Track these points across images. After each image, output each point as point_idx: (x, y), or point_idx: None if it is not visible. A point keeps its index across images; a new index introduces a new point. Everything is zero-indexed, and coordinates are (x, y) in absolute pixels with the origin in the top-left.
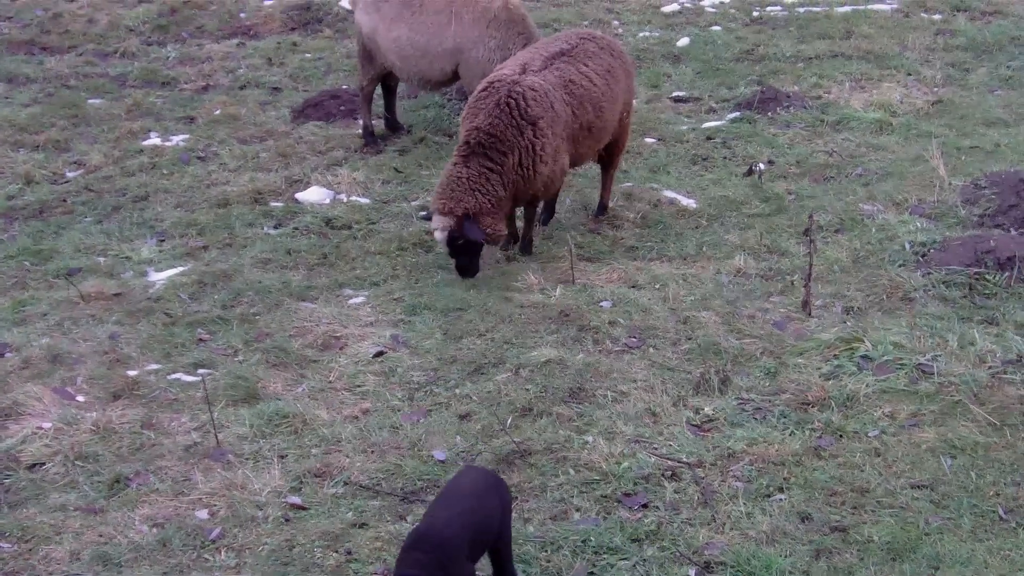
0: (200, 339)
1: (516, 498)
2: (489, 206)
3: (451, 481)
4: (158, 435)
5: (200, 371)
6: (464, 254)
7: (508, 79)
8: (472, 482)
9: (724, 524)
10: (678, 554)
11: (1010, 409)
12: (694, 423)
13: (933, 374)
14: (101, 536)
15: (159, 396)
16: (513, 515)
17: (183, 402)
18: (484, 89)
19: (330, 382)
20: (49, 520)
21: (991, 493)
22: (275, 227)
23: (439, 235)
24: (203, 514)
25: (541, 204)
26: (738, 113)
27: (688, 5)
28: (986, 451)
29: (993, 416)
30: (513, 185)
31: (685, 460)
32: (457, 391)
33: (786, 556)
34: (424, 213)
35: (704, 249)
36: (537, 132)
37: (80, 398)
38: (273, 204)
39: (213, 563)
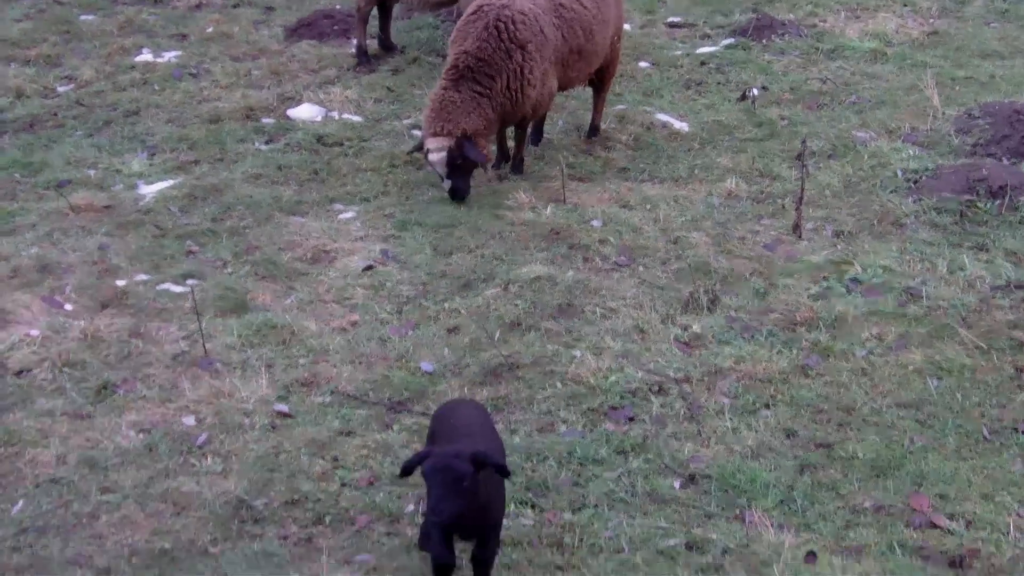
0: (189, 251)
1: (503, 410)
2: (482, 128)
3: (452, 415)
4: (146, 343)
5: (189, 281)
6: (459, 176)
7: (497, 3)
8: (477, 415)
9: (710, 438)
10: (663, 466)
11: (997, 333)
12: (682, 340)
13: (922, 297)
14: (88, 441)
15: (147, 306)
16: (500, 426)
17: (171, 312)
18: (473, 12)
19: (319, 294)
20: (36, 425)
21: (976, 414)
22: (266, 143)
23: (436, 156)
24: (190, 420)
25: (530, 125)
26: (733, 40)
27: None
28: (972, 373)
29: (980, 340)
30: (501, 108)
31: (672, 376)
32: (446, 305)
33: (771, 470)
34: (414, 147)
35: (696, 172)
36: (525, 56)
37: (68, 307)
38: (265, 120)
39: (200, 468)
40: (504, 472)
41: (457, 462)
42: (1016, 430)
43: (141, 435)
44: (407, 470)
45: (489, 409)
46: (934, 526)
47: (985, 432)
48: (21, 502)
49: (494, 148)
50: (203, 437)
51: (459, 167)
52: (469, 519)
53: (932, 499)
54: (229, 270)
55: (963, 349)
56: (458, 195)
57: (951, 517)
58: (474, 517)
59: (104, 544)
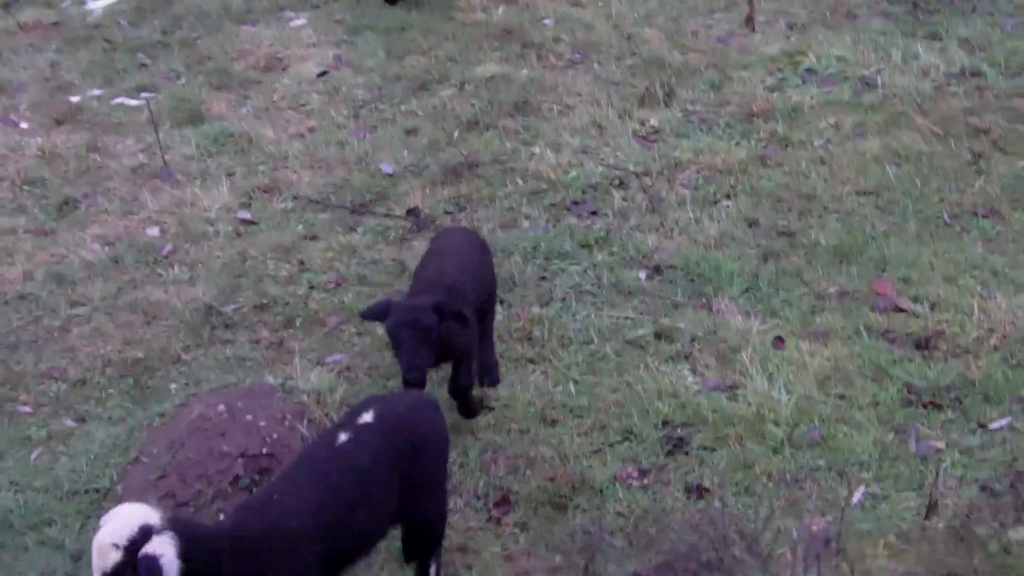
0: (142, 64)
1: (465, 208)
2: None
3: (443, 240)
4: (104, 158)
5: (143, 94)
6: None
7: None
8: (466, 241)
9: (672, 230)
10: (628, 258)
11: (954, 120)
12: (640, 134)
13: (877, 86)
14: (53, 256)
15: (103, 120)
16: (464, 223)
17: (127, 125)
18: None
19: (274, 102)
20: (0, 243)
21: (936, 200)
22: None
23: None
24: (154, 231)
25: None
26: None
27: None
28: (930, 160)
29: (937, 126)
30: None
31: (632, 169)
32: (402, 107)
33: (735, 259)
34: None
35: None
36: None
37: (24, 125)
38: None
39: (166, 278)
40: (463, 320)
41: (423, 315)
42: (976, 214)
43: (106, 248)
44: (368, 317)
45: (451, 207)
46: (899, 309)
47: (945, 217)
48: None
49: None
50: (168, 247)
51: None
52: (441, 361)
53: (896, 283)
54: (183, 81)
55: (920, 136)
56: None
57: (915, 300)
58: (445, 357)
59: (77, 356)
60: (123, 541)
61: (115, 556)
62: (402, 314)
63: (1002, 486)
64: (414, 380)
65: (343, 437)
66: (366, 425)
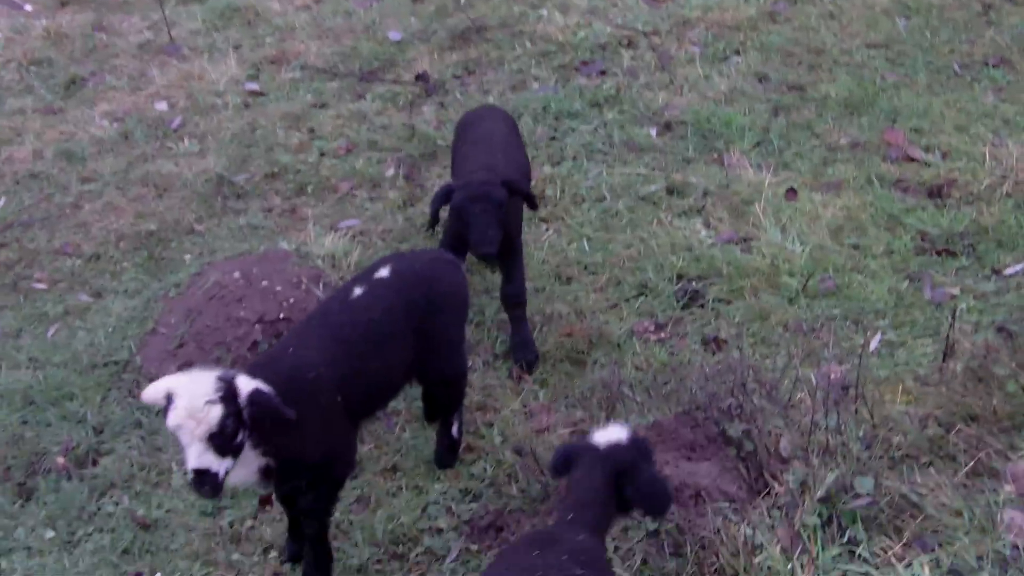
0: None
1: (474, 72)
2: None
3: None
4: (110, 36)
5: None
6: None
7: None
8: (502, 123)
9: (682, 87)
10: (638, 116)
11: None
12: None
13: None
14: (62, 134)
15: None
16: (473, 87)
17: (132, 3)
18: None
19: None
20: (8, 124)
21: (946, 51)
22: None
23: None
24: (162, 106)
25: None
26: None
27: None
28: (940, 11)
29: None
30: None
31: (641, 28)
32: None
33: (746, 114)
34: None
35: None
36: None
37: (28, 7)
38: None
39: (177, 151)
40: (532, 203)
41: (493, 189)
42: (987, 64)
43: (115, 124)
44: (435, 204)
45: (460, 72)
46: (910, 159)
47: (955, 67)
48: (3, 199)
49: None
50: (177, 120)
51: None
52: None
53: (907, 133)
54: None
55: None
56: None
57: (927, 149)
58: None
59: (90, 232)
60: (215, 395)
61: (216, 411)
62: (472, 189)
63: (1018, 328)
64: (487, 253)
65: (358, 291)
66: (381, 280)
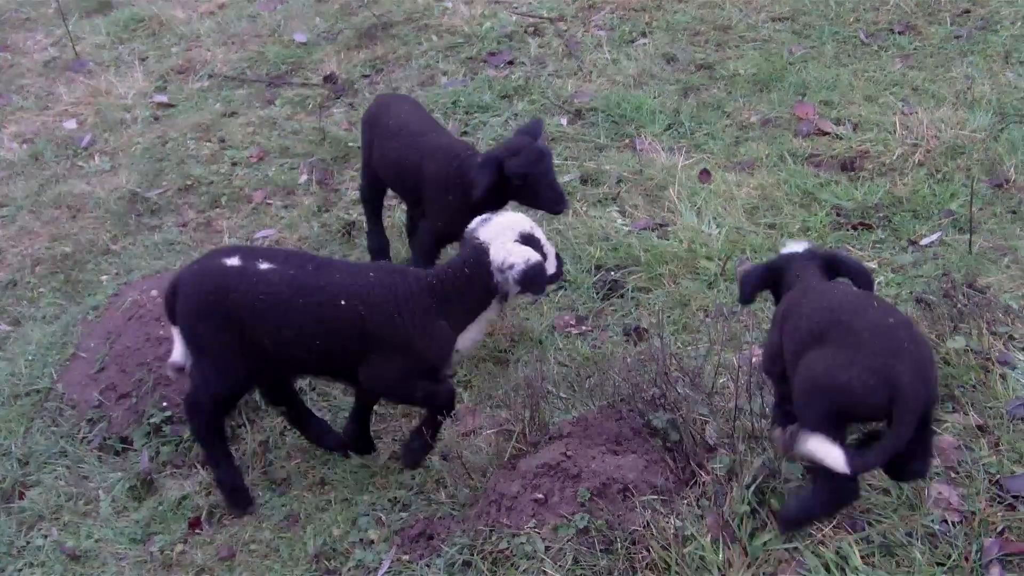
0: None
1: (382, 70)
2: None
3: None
4: (15, 55)
5: None
6: None
7: None
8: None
9: (591, 72)
10: (548, 105)
11: None
12: None
13: None
14: None
15: (10, 18)
16: (381, 86)
17: (35, 20)
18: None
19: None
20: None
21: (851, 19)
22: None
23: None
24: (71, 124)
25: None
26: None
27: None
28: None
29: None
30: None
31: (547, 15)
32: None
33: (655, 96)
34: None
35: None
36: None
37: None
38: None
39: (88, 169)
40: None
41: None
42: (892, 31)
43: (24, 145)
44: (489, 183)
45: (368, 71)
46: (822, 132)
47: (862, 36)
48: None
49: None
50: (87, 138)
51: None
52: None
53: (817, 107)
54: None
55: None
56: None
57: (837, 122)
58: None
59: (5, 258)
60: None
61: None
62: (533, 150)
63: (937, 298)
64: (565, 209)
65: None
66: None
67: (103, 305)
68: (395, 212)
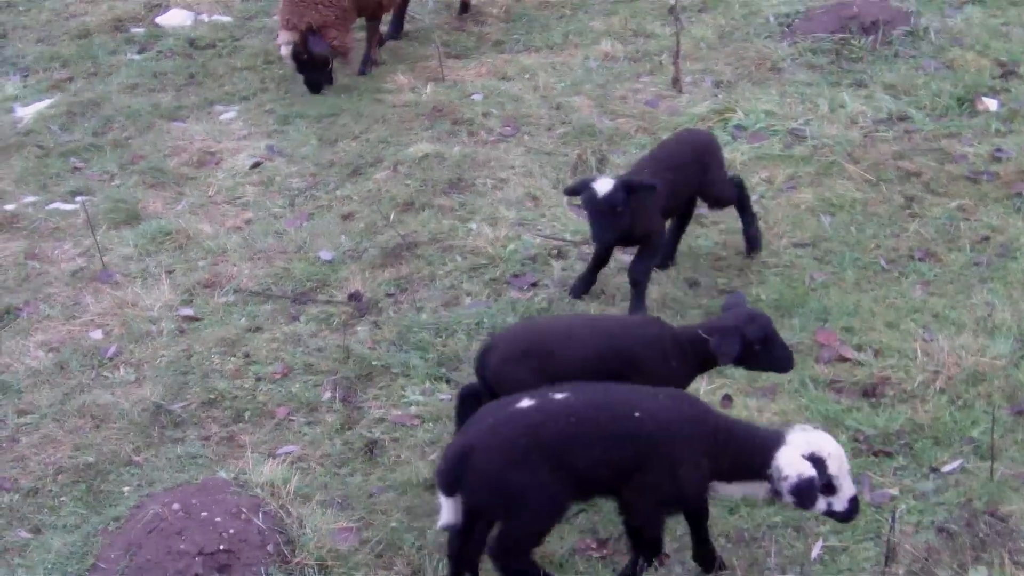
0: (75, 168)
1: (407, 289)
2: (333, 18)
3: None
4: (43, 264)
5: (78, 198)
6: (311, 69)
7: None
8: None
9: (615, 296)
10: None
11: (884, 165)
12: (575, 203)
13: (806, 137)
14: None
15: (39, 226)
16: (406, 305)
17: (64, 230)
18: None
19: (210, 196)
20: None
21: (872, 246)
22: (139, 52)
23: (284, 51)
24: (97, 334)
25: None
26: None
27: None
28: (864, 207)
29: (868, 173)
30: None
31: (570, 239)
32: (337, 193)
33: (676, 319)
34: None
35: (570, 37)
36: None
37: None
38: (134, 30)
39: (113, 380)
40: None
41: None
42: (912, 257)
43: (50, 354)
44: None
45: (392, 289)
46: (843, 359)
47: (882, 263)
48: None
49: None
50: (112, 349)
51: (308, 61)
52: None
53: (839, 333)
54: (117, 182)
55: (852, 184)
56: (313, 88)
57: (859, 348)
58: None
59: (27, 465)
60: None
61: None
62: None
63: (958, 527)
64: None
65: None
66: None
67: (124, 516)
68: None
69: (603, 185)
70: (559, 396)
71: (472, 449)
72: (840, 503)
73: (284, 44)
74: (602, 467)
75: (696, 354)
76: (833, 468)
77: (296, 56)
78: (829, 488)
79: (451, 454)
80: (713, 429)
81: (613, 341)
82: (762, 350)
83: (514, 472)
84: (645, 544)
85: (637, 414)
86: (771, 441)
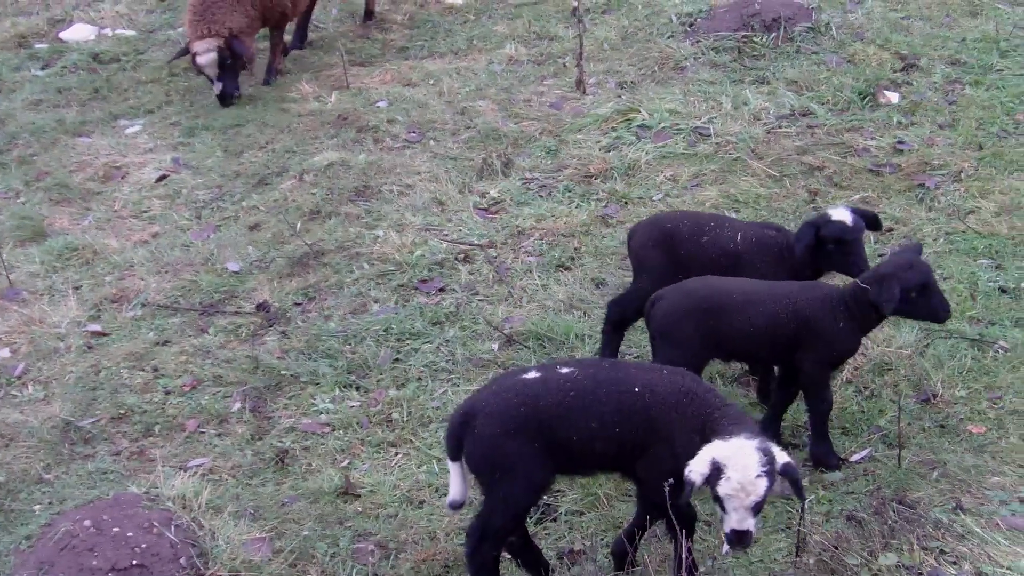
0: None
1: (315, 298)
2: (245, 26)
3: None
4: None
5: None
6: (229, 77)
7: None
8: None
9: (521, 298)
10: (479, 331)
11: (788, 160)
12: (481, 207)
13: (710, 135)
14: None
15: None
16: (314, 313)
17: None
18: None
19: (116, 211)
20: None
21: None
22: (42, 68)
23: (205, 59)
24: (4, 353)
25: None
26: None
27: None
28: (768, 202)
29: (772, 169)
30: (261, 4)
31: (476, 242)
32: (244, 203)
33: (584, 320)
34: (177, 53)
35: (475, 42)
36: None
37: None
38: (38, 46)
39: (21, 398)
40: None
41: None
42: None
43: None
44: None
45: (300, 298)
46: None
47: None
48: None
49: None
50: (20, 367)
51: (229, 67)
52: None
53: None
54: (22, 199)
55: (756, 180)
56: (227, 99)
57: None
58: None
59: None
60: (761, 469)
61: (764, 484)
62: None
63: (868, 515)
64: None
65: None
66: None
67: (36, 535)
68: None
69: None
70: (564, 370)
71: (475, 414)
72: (726, 524)
73: (205, 52)
74: (598, 441)
75: (860, 307)
76: (724, 487)
77: (222, 62)
78: (719, 502)
79: (456, 417)
80: (710, 409)
81: (785, 303)
82: (919, 298)
83: (510, 440)
84: (662, 514)
85: (637, 388)
86: (720, 433)
